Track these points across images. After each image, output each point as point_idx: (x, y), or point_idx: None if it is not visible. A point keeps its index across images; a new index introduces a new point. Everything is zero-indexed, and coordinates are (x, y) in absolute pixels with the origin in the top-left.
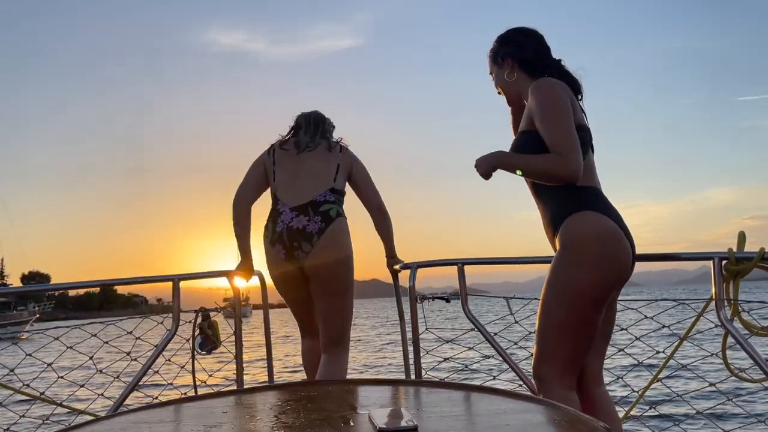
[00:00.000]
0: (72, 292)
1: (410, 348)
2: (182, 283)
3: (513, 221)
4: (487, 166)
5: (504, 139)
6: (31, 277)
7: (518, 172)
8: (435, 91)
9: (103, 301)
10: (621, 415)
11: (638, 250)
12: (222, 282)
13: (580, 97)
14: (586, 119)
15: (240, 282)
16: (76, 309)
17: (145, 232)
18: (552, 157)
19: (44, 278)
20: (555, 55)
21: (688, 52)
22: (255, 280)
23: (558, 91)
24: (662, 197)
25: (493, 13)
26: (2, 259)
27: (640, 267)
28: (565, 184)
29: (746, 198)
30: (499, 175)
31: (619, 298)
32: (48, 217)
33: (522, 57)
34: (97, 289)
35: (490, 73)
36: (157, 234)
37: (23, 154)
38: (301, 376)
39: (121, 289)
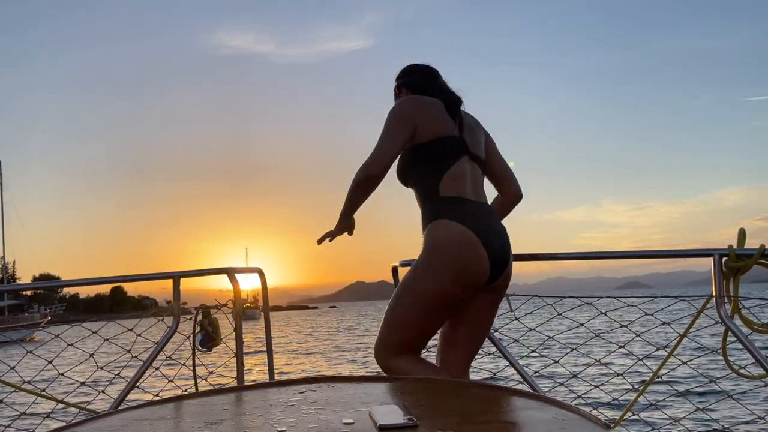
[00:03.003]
0: (83, 295)
1: None
2: (189, 286)
3: (521, 222)
4: (338, 230)
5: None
6: (42, 279)
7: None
8: None
9: (114, 303)
10: (620, 412)
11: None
12: (230, 286)
13: (461, 107)
14: (457, 131)
15: (242, 281)
16: (87, 311)
17: (155, 233)
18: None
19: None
20: (562, 60)
21: (698, 52)
22: (256, 281)
23: (400, 107)
24: (672, 198)
25: (500, 14)
26: (14, 262)
27: (649, 268)
28: (425, 195)
29: (757, 198)
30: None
31: (621, 295)
32: (58, 220)
33: (411, 81)
34: (107, 292)
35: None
36: (167, 235)
37: (31, 156)
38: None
39: (131, 292)
